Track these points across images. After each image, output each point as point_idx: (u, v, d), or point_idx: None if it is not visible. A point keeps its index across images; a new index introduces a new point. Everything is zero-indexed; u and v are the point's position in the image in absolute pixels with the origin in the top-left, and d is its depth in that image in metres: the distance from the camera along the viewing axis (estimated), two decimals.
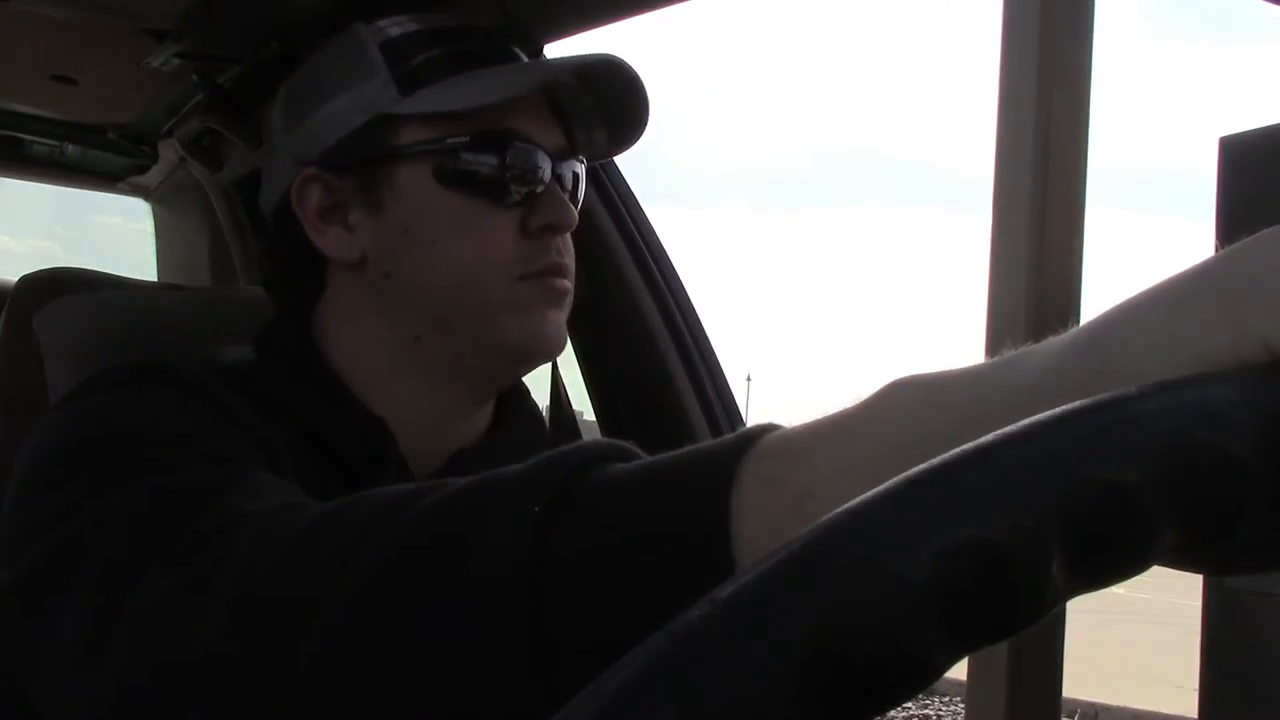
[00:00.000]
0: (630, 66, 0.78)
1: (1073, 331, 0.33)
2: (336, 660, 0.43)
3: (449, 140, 0.75)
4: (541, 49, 1.09)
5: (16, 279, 0.92)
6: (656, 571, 0.36)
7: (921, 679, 0.24)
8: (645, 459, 0.40)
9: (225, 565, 0.47)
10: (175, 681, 0.47)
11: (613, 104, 0.82)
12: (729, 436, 0.38)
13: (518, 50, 0.83)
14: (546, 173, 0.77)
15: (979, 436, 0.32)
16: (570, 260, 0.79)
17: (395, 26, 0.80)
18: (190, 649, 0.46)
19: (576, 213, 0.79)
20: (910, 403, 0.34)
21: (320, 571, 0.44)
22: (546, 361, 0.82)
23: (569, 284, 0.78)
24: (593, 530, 0.38)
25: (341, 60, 0.80)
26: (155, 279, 1.97)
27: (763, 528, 0.35)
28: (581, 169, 0.82)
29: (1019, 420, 0.31)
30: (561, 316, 0.78)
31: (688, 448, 0.39)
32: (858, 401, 0.36)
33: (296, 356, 0.78)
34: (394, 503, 0.45)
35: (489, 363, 0.77)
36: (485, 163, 0.75)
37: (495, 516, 0.40)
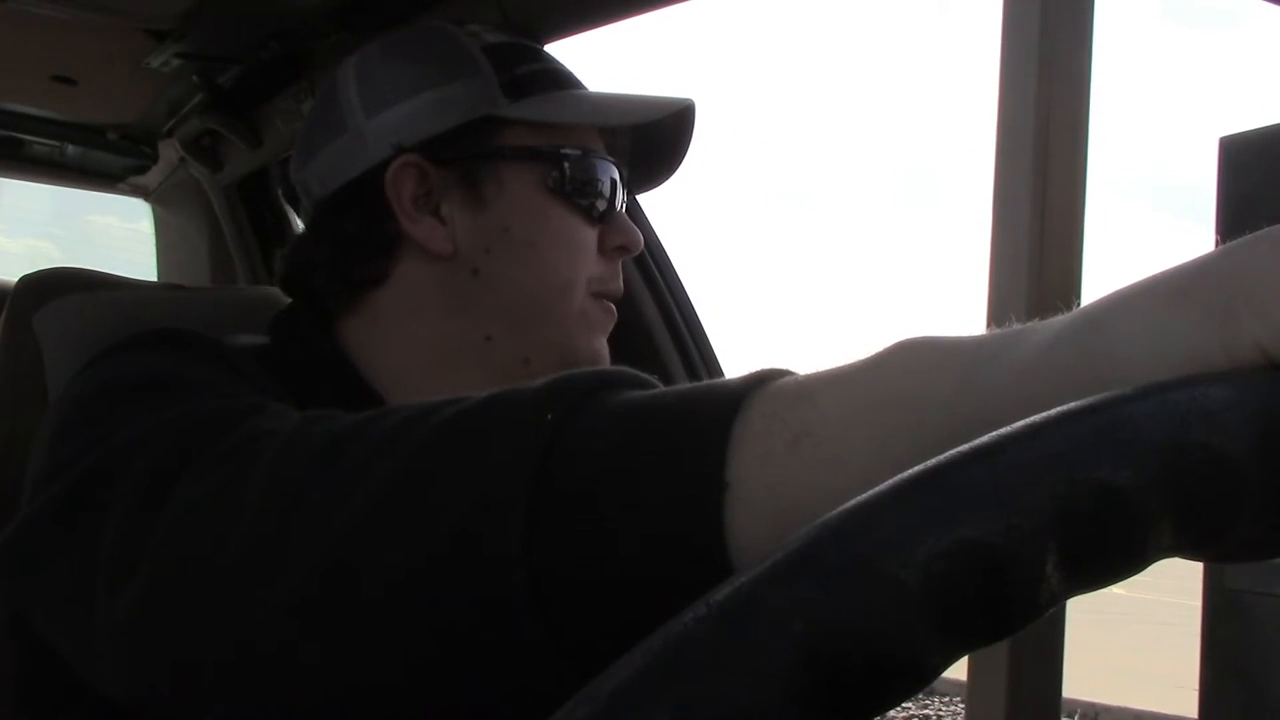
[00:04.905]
0: (694, 121, 0.84)
1: (1072, 313, 0.34)
2: (352, 557, 0.43)
3: (563, 150, 0.78)
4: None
5: (16, 279, 0.92)
6: (654, 481, 0.37)
7: (917, 680, 0.24)
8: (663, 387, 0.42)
9: (254, 472, 0.49)
10: (202, 582, 0.48)
11: (647, 150, 0.86)
12: (745, 374, 0.40)
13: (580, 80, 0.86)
14: (622, 197, 0.81)
15: (972, 401, 0.33)
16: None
17: (489, 34, 0.82)
18: (218, 549, 0.47)
19: None
20: (914, 362, 0.36)
21: (342, 475, 0.46)
22: None
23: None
24: (600, 437, 0.40)
25: (435, 53, 0.80)
26: (154, 279, 1.97)
27: (757, 459, 0.36)
28: None
29: (1011, 391, 0.33)
30: (605, 342, 0.82)
31: (704, 381, 0.41)
32: (867, 356, 0.38)
33: (314, 346, 0.78)
34: (418, 413, 0.46)
35: (551, 372, 0.77)
36: (587, 178, 0.79)
37: (510, 421, 0.42)
